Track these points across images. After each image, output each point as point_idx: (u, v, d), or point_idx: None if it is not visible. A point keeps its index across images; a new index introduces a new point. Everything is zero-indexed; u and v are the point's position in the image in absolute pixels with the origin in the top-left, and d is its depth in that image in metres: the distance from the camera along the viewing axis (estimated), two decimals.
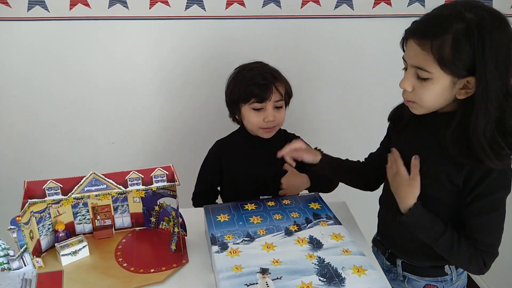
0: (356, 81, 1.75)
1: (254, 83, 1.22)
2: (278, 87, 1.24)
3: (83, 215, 1.13)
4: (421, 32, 0.88)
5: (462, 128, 0.88)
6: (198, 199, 1.44)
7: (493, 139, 0.86)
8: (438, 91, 0.89)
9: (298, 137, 1.38)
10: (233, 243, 0.99)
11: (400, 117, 1.06)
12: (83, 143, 1.73)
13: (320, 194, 1.24)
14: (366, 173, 1.22)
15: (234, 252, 0.96)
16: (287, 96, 1.29)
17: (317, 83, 1.74)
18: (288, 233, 1.03)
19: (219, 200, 1.48)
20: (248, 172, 1.30)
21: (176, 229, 1.09)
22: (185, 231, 1.13)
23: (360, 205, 1.37)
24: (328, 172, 1.20)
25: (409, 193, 0.97)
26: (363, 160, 1.26)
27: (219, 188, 1.44)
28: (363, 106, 1.81)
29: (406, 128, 1.05)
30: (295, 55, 1.67)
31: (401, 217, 0.97)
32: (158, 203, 1.15)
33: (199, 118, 1.74)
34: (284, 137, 1.37)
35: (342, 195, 1.34)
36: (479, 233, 0.94)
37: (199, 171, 1.44)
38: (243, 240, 1.00)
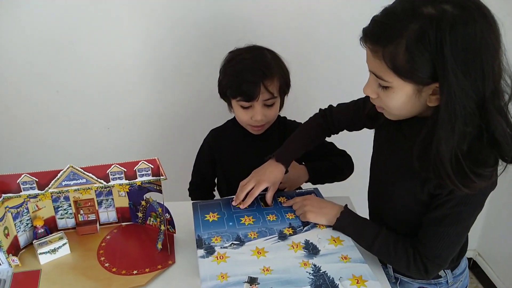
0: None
1: (242, 79, 1.09)
2: (268, 86, 1.10)
3: (65, 209, 1.06)
4: (372, 37, 0.75)
5: (431, 140, 0.75)
6: (193, 189, 1.37)
7: (458, 162, 0.73)
8: (402, 100, 0.77)
9: (296, 124, 1.27)
10: (221, 247, 0.90)
11: (377, 116, 0.93)
12: (76, 129, 1.65)
13: (324, 187, 1.14)
14: (330, 130, 1.14)
15: (221, 257, 0.87)
16: (282, 90, 1.16)
17: (321, 66, 1.60)
18: (282, 237, 0.93)
19: (216, 192, 1.40)
20: (240, 164, 1.20)
21: (162, 227, 1.01)
22: (174, 228, 1.05)
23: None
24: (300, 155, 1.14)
25: (324, 207, 0.98)
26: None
27: (216, 180, 1.36)
28: None
29: (385, 126, 0.94)
30: (298, 37, 1.53)
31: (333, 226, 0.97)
32: (144, 198, 1.06)
33: (198, 103, 1.64)
34: (283, 125, 1.27)
35: (347, 190, 1.24)
36: (429, 241, 0.86)
37: (196, 160, 1.35)
38: (232, 243, 0.91)
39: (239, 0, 1.46)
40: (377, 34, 0.74)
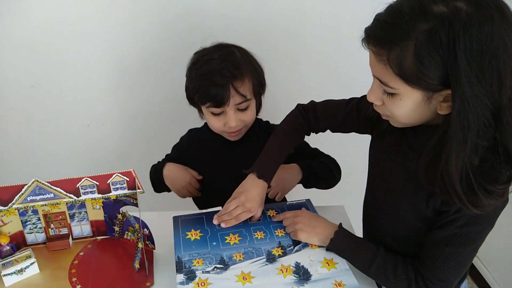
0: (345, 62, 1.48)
1: (209, 83, 0.98)
2: (238, 88, 0.99)
3: (33, 223, 0.97)
4: (376, 38, 0.67)
5: (440, 151, 0.67)
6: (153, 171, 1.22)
7: (467, 177, 0.66)
8: (410, 107, 0.69)
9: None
10: (202, 271, 0.82)
11: (378, 121, 0.84)
12: (54, 125, 1.54)
13: (317, 196, 1.06)
14: (311, 129, 1.04)
15: (203, 284, 0.79)
16: (256, 90, 1.05)
17: (304, 64, 1.49)
18: (270, 258, 0.85)
19: (180, 199, 1.25)
20: (218, 172, 1.11)
21: (140, 244, 0.93)
22: (153, 243, 0.96)
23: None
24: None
25: (317, 226, 0.90)
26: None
27: None
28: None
29: (387, 133, 0.85)
30: (278, 33, 1.41)
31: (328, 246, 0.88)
32: (120, 211, 0.97)
33: (182, 98, 1.53)
34: (265, 130, 1.15)
35: (340, 199, 1.16)
36: (433, 263, 0.78)
37: (173, 147, 1.26)
38: (215, 267, 0.82)
39: None
40: (382, 36, 0.66)
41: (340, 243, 0.86)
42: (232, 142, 1.11)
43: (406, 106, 0.69)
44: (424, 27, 0.61)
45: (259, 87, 1.06)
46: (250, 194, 0.94)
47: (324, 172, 1.13)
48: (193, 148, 1.17)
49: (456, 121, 0.63)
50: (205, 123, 1.18)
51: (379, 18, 0.67)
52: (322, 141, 1.19)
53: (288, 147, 1.02)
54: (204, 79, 0.99)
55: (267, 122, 1.19)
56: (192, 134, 1.20)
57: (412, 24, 0.62)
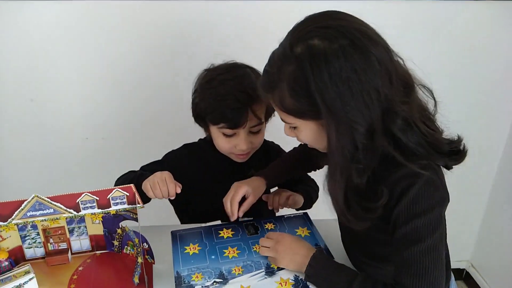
0: None
1: (226, 105, 0.95)
2: (256, 111, 0.98)
3: (32, 238, 0.97)
4: (262, 87, 0.76)
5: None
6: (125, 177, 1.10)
7: (346, 197, 0.73)
8: (312, 136, 0.76)
9: (277, 146, 1.20)
10: (202, 286, 0.82)
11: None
12: (53, 139, 1.55)
13: (312, 211, 1.07)
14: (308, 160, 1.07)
15: None
16: (269, 113, 1.05)
17: None
18: (269, 272, 0.86)
19: (170, 212, 1.24)
20: (215, 187, 1.08)
21: (139, 259, 0.93)
22: (152, 258, 0.97)
23: None
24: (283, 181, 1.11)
25: (297, 253, 0.87)
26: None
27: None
28: None
29: None
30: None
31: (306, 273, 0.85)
32: (120, 226, 0.98)
33: (182, 113, 1.54)
34: (264, 146, 1.13)
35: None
36: (403, 275, 0.74)
37: (154, 162, 1.16)
38: (214, 281, 0.83)
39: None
40: (266, 83, 0.75)
41: (319, 267, 0.83)
42: (232, 160, 1.09)
43: (308, 135, 0.76)
44: (289, 68, 0.69)
45: (271, 109, 1.04)
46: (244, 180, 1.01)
47: (312, 199, 1.17)
48: (194, 165, 1.13)
49: (329, 148, 0.71)
50: (200, 139, 1.17)
51: (264, 68, 0.76)
52: None
53: (294, 168, 1.09)
54: (220, 100, 0.96)
55: (272, 142, 1.20)
56: (191, 150, 1.17)
57: (281, 68, 0.70)
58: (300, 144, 1.11)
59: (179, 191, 0.95)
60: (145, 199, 0.99)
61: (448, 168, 0.78)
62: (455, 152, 0.77)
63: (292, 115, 0.73)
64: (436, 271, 0.72)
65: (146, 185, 0.97)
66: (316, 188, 1.18)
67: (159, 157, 1.47)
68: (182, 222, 1.23)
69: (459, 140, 0.78)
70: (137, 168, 1.14)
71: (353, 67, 0.65)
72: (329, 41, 0.66)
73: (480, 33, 1.52)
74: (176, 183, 0.96)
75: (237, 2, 1.39)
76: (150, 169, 1.08)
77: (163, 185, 0.94)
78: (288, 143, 1.23)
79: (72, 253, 1.01)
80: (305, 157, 1.07)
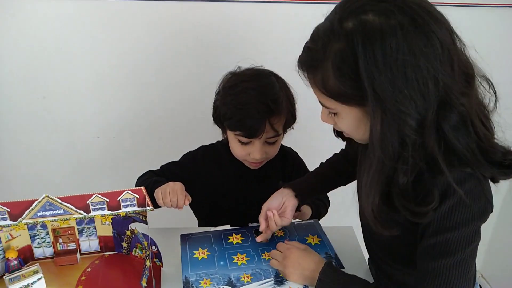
0: None
1: (245, 114, 0.95)
2: (273, 124, 0.97)
3: (42, 238, 0.97)
4: (302, 64, 0.68)
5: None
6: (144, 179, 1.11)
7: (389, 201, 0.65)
8: (353, 124, 0.68)
9: (295, 153, 1.18)
10: None
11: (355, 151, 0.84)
12: (65, 137, 1.56)
13: (324, 218, 1.05)
14: (347, 171, 1.00)
15: None
16: (288, 125, 1.04)
17: None
18: (278, 281, 0.85)
19: (189, 214, 1.23)
20: (229, 191, 1.09)
21: (148, 262, 0.92)
22: (161, 261, 0.96)
23: None
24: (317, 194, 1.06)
25: (306, 269, 0.83)
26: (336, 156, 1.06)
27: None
28: None
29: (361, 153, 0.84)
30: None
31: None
32: (129, 228, 0.97)
33: (194, 114, 1.53)
34: (281, 151, 1.13)
35: (348, 220, 1.15)
36: (425, 285, 0.69)
37: (172, 162, 1.17)
38: None
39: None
40: (306, 61, 0.67)
41: (329, 281, 0.81)
42: (243, 164, 1.09)
43: (350, 123, 0.68)
44: (337, 46, 0.60)
45: (291, 121, 1.04)
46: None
47: (321, 214, 1.15)
48: (210, 167, 1.13)
49: (371, 140, 0.62)
50: (218, 141, 1.18)
51: (305, 45, 0.67)
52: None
53: (330, 180, 1.03)
54: (240, 108, 0.95)
55: (290, 148, 1.19)
56: (207, 152, 1.17)
57: (328, 45, 0.61)
58: (335, 154, 1.05)
59: (187, 203, 0.97)
60: (157, 205, 1.01)
61: (495, 181, 0.69)
62: (506, 165, 0.66)
63: (334, 99, 0.65)
64: (462, 284, 0.68)
65: (158, 193, 0.98)
66: (326, 203, 1.16)
67: (169, 155, 1.47)
68: (199, 224, 1.24)
69: None
70: (152, 168, 1.14)
71: (412, 49, 0.57)
72: (386, 17, 0.57)
73: (481, 39, 1.48)
74: (187, 195, 0.97)
75: (251, 4, 1.38)
76: (167, 168, 1.13)
77: (174, 195, 0.96)
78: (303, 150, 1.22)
79: (80, 254, 1.01)
80: (342, 169, 1.01)
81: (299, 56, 0.68)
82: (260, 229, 0.94)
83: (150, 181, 1.06)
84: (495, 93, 0.67)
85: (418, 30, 0.57)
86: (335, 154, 1.06)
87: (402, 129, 0.59)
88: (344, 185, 1.05)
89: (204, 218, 1.22)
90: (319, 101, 0.70)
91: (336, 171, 1.03)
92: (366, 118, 0.64)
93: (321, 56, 0.62)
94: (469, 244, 0.67)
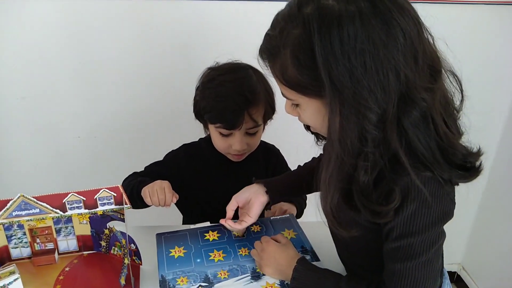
0: None
1: (224, 106, 0.96)
2: (252, 114, 0.98)
3: (19, 238, 0.97)
4: (262, 53, 0.64)
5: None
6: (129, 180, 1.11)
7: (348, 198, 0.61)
8: (315, 117, 0.64)
9: (277, 150, 1.20)
10: None
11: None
12: (44, 137, 1.54)
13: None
14: None
15: None
16: (267, 116, 1.05)
17: None
18: (255, 276, 0.86)
19: (169, 211, 1.19)
20: (213, 187, 1.11)
21: (126, 260, 0.93)
22: (140, 259, 0.96)
23: None
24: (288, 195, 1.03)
25: (281, 264, 0.82)
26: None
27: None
28: None
29: None
30: None
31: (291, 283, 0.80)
32: (107, 226, 0.97)
33: (175, 112, 1.54)
34: (264, 148, 1.16)
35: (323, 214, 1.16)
36: (390, 282, 0.69)
37: (155, 162, 1.18)
38: (200, 286, 0.83)
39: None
40: (266, 49, 0.63)
41: (303, 278, 0.80)
42: (231, 160, 1.11)
43: (311, 116, 0.65)
44: (295, 32, 0.57)
45: (270, 113, 1.05)
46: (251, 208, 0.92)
47: (303, 211, 1.17)
48: (192, 165, 1.14)
49: (328, 134, 0.60)
50: (201, 139, 1.19)
51: (266, 32, 0.64)
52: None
53: (305, 183, 0.98)
54: (219, 101, 0.97)
55: (273, 145, 1.20)
56: (190, 149, 1.17)
57: (285, 31, 0.58)
58: (313, 158, 1.03)
59: (175, 201, 0.97)
60: (144, 205, 1.02)
61: (453, 184, 0.65)
62: (467, 167, 0.63)
63: (294, 90, 0.62)
64: (428, 282, 0.68)
65: (145, 192, 0.99)
66: (305, 199, 1.19)
67: (151, 155, 1.47)
68: (184, 221, 1.25)
69: (479, 153, 0.65)
70: (134, 167, 1.14)
71: (371, 37, 0.53)
72: (346, 2, 0.54)
73: (479, 36, 1.52)
74: (174, 193, 0.98)
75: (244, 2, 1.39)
76: (151, 169, 1.14)
77: (162, 193, 0.96)
78: (282, 145, 1.23)
79: (59, 253, 1.01)
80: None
81: (260, 45, 0.65)
82: (226, 219, 0.93)
83: (136, 181, 1.07)
84: (461, 91, 0.64)
85: (378, 17, 0.54)
86: (313, 158, 1.05)
87: (362, 123, 0.56)
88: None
89: (188, 215, 1.23)
90: (281, 93, 0.67)
91: (313, 174, 1.02)
92: (326, 110, 0.60)
93: (278, 43, 0.59)
94: (433, 246, 0.66)
